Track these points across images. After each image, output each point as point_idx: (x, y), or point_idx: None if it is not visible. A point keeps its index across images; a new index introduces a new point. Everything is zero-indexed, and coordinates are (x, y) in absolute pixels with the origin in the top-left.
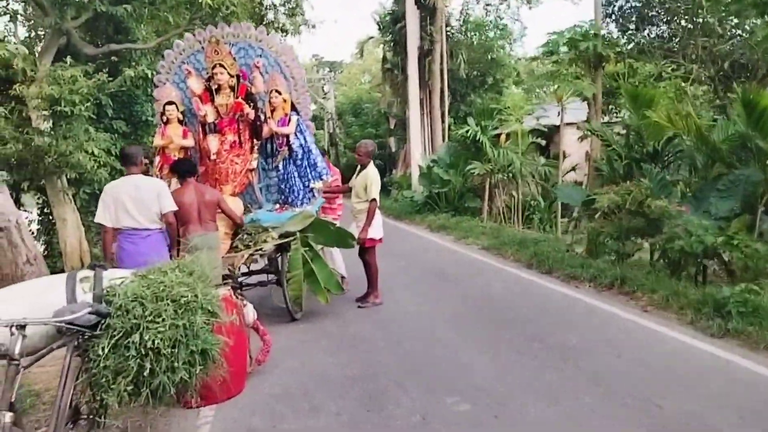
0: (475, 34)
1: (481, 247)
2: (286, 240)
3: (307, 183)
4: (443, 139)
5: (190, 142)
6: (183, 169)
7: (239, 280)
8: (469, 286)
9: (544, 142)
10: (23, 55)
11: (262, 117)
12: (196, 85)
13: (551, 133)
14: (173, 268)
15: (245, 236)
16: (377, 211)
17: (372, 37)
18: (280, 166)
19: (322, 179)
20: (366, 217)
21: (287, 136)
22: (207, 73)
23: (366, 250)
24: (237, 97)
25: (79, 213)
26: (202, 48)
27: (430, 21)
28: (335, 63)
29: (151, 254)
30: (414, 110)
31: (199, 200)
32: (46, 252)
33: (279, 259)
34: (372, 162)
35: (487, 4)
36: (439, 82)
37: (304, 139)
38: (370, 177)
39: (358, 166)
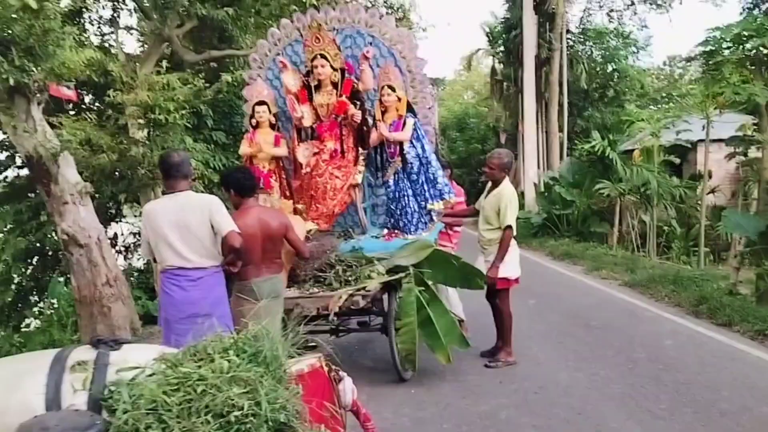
0: (596, 44)
1: (621, 283)
2: (396, 277)
3: (423, 203)
4: (560, 156)
5: (282, 150)
6: (240, 183)
7: (333, 321)
8: (629, 342)
9: (678, 161)
10: (121, 62)
11: (371, 120)
12: (292, 81)
13: (684, 151)
14: (226, 348)
15: (343, 269)
16: (513, 242)
17: (480, 49)
18: (391, 182)
19: (443, 199)
20: (498, 250)
21: (401, 144)
22: (306, 67)
23: (497, 293)
24: (340, 96)
25: None
26: (301, 36)
27: (548, 28)
28: (437, 79)
29: (204, 303)
30: (529, 124)
31: (263, 231)
32: (144, 266)
33: (386, 300)
34: (507, 178)
35: (611, 11)
36: (557, 94)
37: (422, 148)
38: (505, 197)
39: (488, 184)
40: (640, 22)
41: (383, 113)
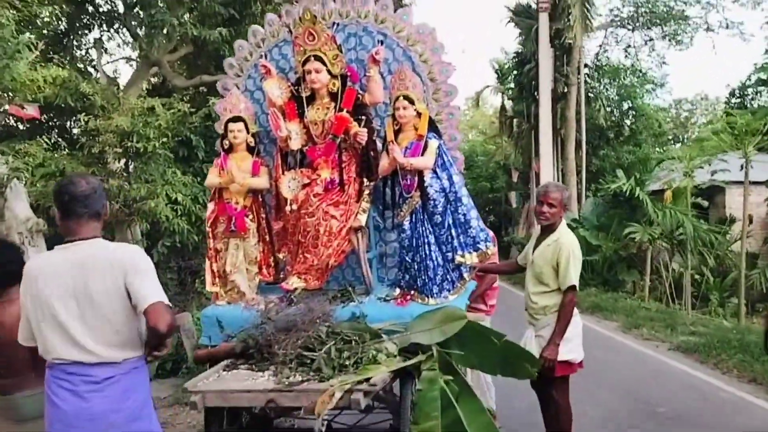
0: (611, 80)
1: (671, 347)
2: (413, 361)
3: (450, 255)
4: (579, 196)
5: (262, 181)
6: None
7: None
8: None
9: (706, 203)
10: (101, 86)
11: (380, 143)
12: (276, 90)
13: (712, 193)
14: None
15: (339, 348)
16: (576, 312)
17: (488, 86)
18: (407, 225)
19: (478, 250)
20: (558, 321)
21: (420, 174)
22: (296, 74)
23: (553, 382)
24: (340, 110)
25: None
26: (291, 33)
27: (565, 61)
28: None
29: (114, 419)
30: (545, 161)
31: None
32: None
33: (397, 392)
34: (564, 221)
35: (628, 47)
36: (574, 130)
37: (449, 179)
38: (566, 247)
39: (537, 228)
40: (658, 58)
41: (397, 132)
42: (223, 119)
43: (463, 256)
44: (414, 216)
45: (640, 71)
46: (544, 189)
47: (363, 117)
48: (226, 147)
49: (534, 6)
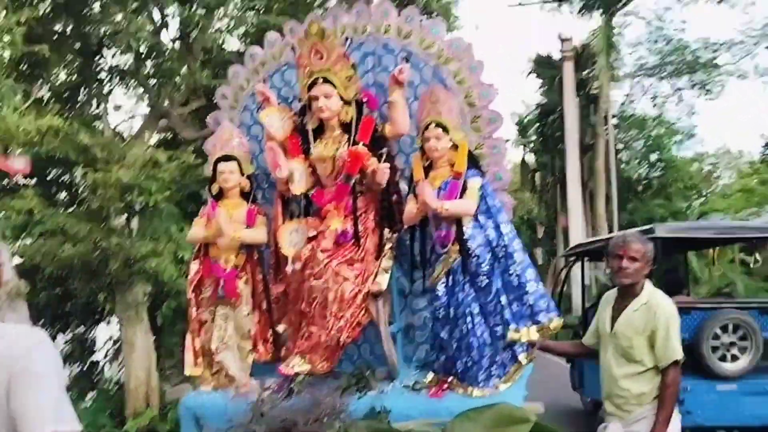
0: (639, 131)
1: None
2: None
3: (500, 330)
4: None
5: (258, 233)
6: None
7: None
8: None
9: (756, 258)
10: (105, 139)
11: (405, 185)
12: (276, 120)
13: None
14: None
15: None
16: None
17: (508, 140)
18: (442, 289)
19: (538, 323)
20: (660, 409)
21: (458, 223)
22: (300, 101)
23: None
24: (355, 143)
25: (158, 335)
26: (294, 53)
27: (592, 111)
28: None
29: None
30: (575, 216)
31: None
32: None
33: None
34: (649, 280)
35: (655, 96)
36: (603, 183)
37: (497, 228)
38: (661, 312)
39: (609, 294)
40: (687, 108)
41: (427, 170)
42: (212, 159)
43: (517, 330)
44: (451, 278)
45: (669, 122)
46: (622, 240)
47: (383, 152)
48: (214, 192)
49: (556, 56)
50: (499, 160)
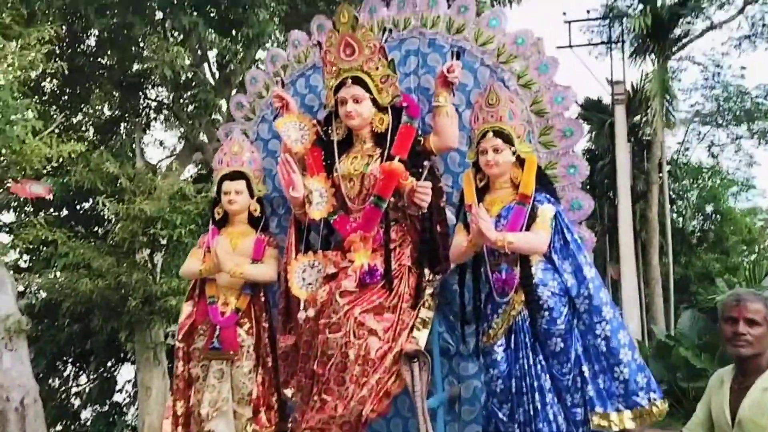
0: (694, 181)
1: None
2: None
3: (580, 412)
4: (666, 309)
5: (265, 270)
6: None
7: None
8: None
9: None
10: (135, 171)
11: (451, 213)
12: (294, 131)
13: None
14: None
15: None
16: None
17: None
18: (500, 352)
19: (633, 406)
20: None
21: (525, 262)
22: (326, 107)
23: None
24: (390, 158)
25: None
26: (321, 51)
27: (645, 157)
28: None
29: None
30: (628, 267)
31: None
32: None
33: None
34: None
35: (711, 144)
36: (657, 233)
37: (577, 272)
38: None
39: (729, 368)
40: (747, 158)
41: (483, 191)
42: (217, 176)
43: (605, 415)
44: (513, 337)
45: (726, 172)
46: (736, 299)
47: (424, 169)
48: (218, 217)
49: (605, 101)
50: (577, 184)
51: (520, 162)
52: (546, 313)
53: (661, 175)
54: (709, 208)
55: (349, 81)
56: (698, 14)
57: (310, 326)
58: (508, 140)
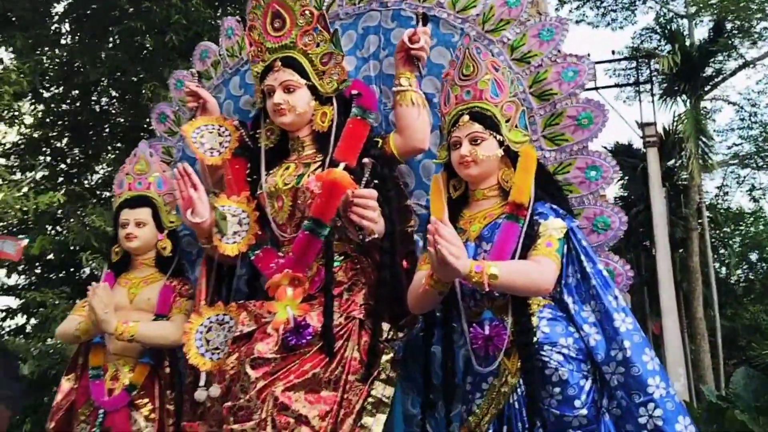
0: (735, 227)
1: None
2: None
3: None
4: (715, 366)
5: (168, 331)
6: None
7: None
8: None
9: None
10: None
11: (420, 239)
12: (209, 137)
13: None
14: None
15: None
16: None
17: None
18: None
19: None
20: None
21: (521, 306)
22: (253, 106)
23: None
24: (333, 163)
25: None
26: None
27: (682, 203)
28: None
29: None
30: (669, 321)
31: None
32: None
33: None
34: None
35: (752, 188)
36: (700, 284)
37: (603, 322)
38: None
39: None
40: None
41: (459, 202)
42: (115, 203)
43: None
44: (506, 427)
45: (761, 218)
46: None
47: (366, 170)
48: (115, 258)
49: (636, 145)
50: (598, 189)
51: (511, 157)
52: (557, 390)
53: (700, 221)
54: (753, 256)
55: (278, 63)
56: (730, 53)
57: (215, 411)
58: (492, 125)
